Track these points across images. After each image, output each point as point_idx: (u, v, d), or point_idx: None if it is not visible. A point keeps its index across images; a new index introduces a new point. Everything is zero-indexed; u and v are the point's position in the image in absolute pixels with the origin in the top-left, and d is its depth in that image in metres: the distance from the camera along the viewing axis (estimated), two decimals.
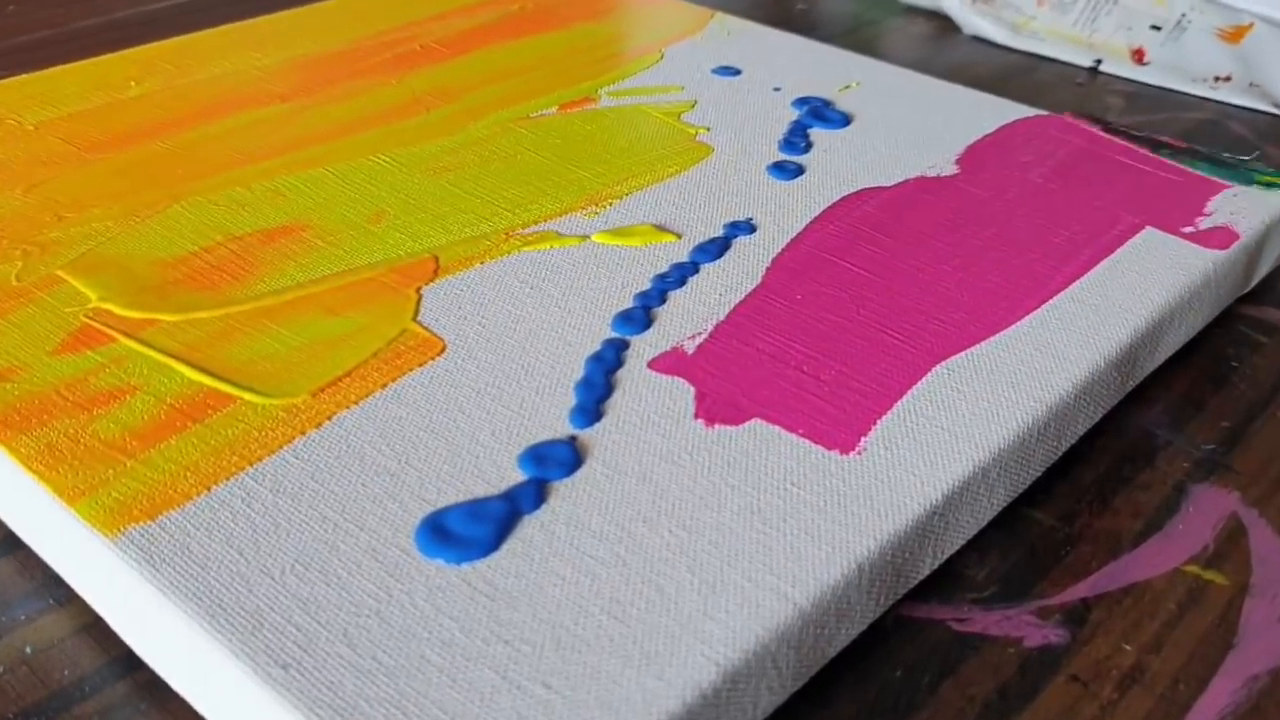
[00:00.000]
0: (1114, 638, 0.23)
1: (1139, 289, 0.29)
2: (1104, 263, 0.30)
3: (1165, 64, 0.49)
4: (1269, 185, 0.34)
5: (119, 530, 0.21)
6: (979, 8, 0.53)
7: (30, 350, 0.25)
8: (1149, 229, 0.32)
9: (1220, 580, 0.24)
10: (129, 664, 0.21)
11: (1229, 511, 0.26)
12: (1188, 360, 0.31)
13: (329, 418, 0.24)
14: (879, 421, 0.24)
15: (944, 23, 0.54)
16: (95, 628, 0.22)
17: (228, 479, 0.22)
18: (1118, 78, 0.49)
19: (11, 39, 0.47)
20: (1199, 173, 0.35)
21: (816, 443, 0.24)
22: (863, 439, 0.24)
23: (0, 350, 0.25)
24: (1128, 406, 0.29)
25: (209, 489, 0.22)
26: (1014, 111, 0.39)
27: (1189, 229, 0.32)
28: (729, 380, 0.25)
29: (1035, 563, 0.25)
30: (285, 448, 0.23)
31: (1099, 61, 0.50)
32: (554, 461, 0.23)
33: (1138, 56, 0.50)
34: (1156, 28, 0.50)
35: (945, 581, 0.24)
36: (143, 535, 0.21)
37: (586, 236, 0.30)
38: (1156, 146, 0.36)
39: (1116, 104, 0.47)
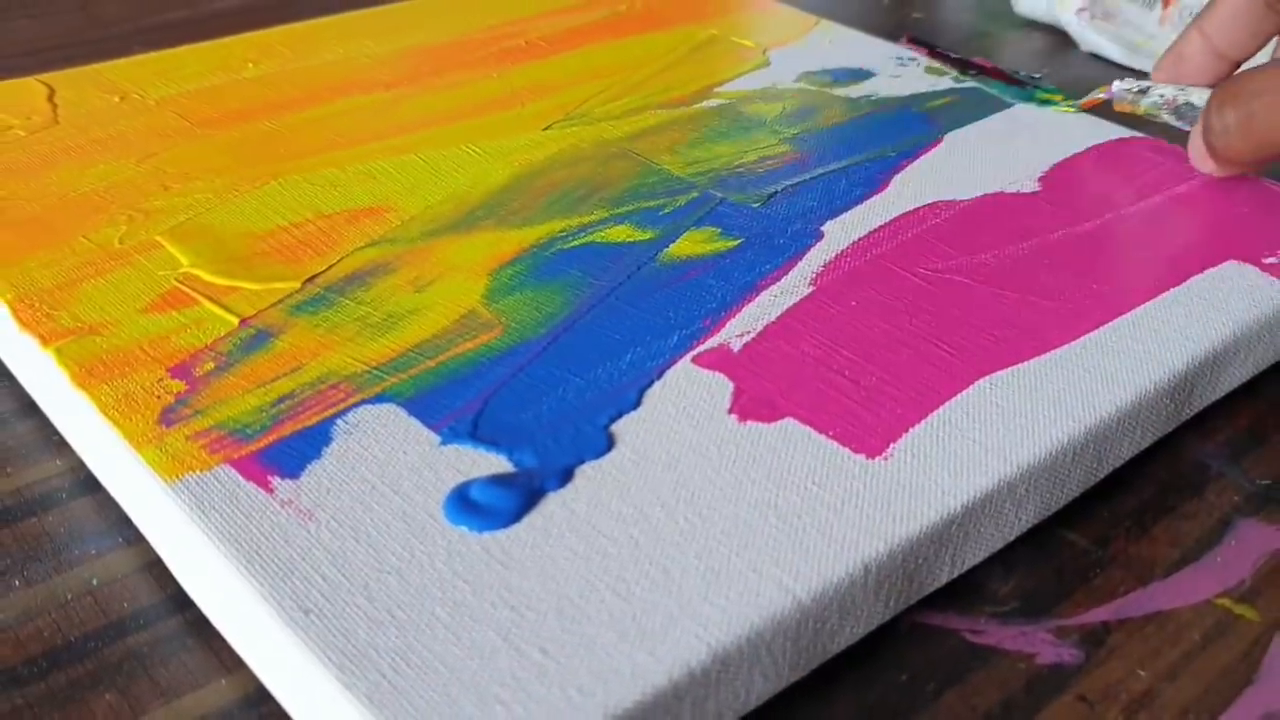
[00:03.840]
0: (1130, 663, 0.23)
1: (1205, 317, 0.29)
2: (1174, 290, 0.30)
3: None
4: (1044, 103, 0.40)
5: (177, 477, 0.22)
6: (1098, 25, 0.52)
7: (122, 308, 0.27)
8: (1230, 259, 0.31)
9: (1251, 615, 0.24)
10: (181, 602, 0.23)
11: (1273, 548, 0.26)
12: (1257, 394, 0.31)
13: (382, 388, 0.25)
14: (911, 430, 0.25)
15: (1061, 38, 0.54)
16: (155, 567, 0.24)
17: (281, 439, 0.24)
18: None
19: (153, 17, 0.50)
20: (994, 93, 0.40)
21: (845, 445, 0.24)
22: (891, 445, 0.24)
23: (95, 306, 0.27)
24: (1185, 435, 0.29)
25: (262, 446, 0.23)
26: (1108, 131, 0.38)
27: (1271, 259, 0.31)
28: (769, 379, 0.26)
29: (1061, 582, 0.25)
30: (337, 414, 0.24)
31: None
32: (585, 446, 0.24)
33: None
34: None
35: (966, 592, 0.24)
36: (197, 483, 0.22)
37: (657, 233, 0.31)
38: (964, 68, 0.42)
39: None
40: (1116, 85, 0.37)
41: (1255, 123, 0.30)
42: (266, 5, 0.51)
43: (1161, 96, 0.36)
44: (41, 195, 0.32)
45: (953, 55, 0.43)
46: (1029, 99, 0.40)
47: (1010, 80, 0.41)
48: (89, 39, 0.47)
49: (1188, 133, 0.36)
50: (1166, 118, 0.36)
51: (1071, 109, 0.39)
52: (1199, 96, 0.35)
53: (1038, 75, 0.43)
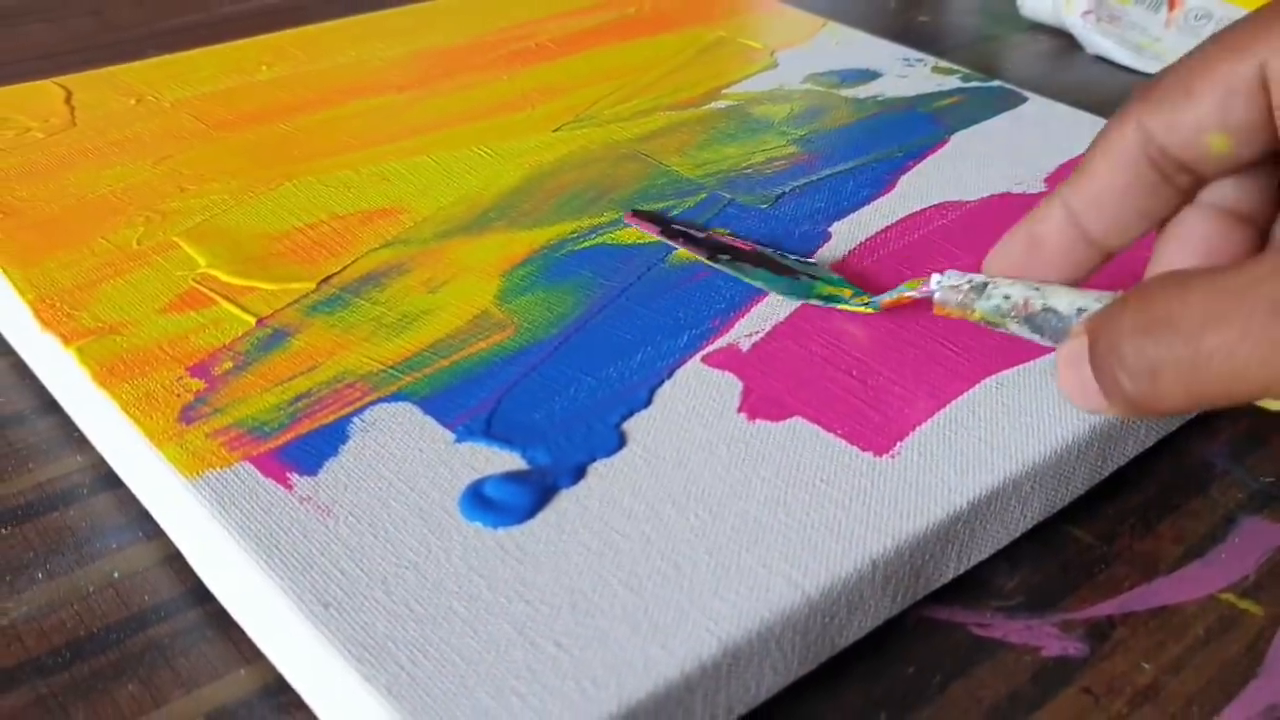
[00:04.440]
0: (1134, 656, 0.23)
1: None
2: None
3: None
4: (829, 299, 0.28)
5: (198, 473, 0.23)
6: (1103, 27, 0.52)
7: (141, 308, 0.28)
8: None
9: (1255, 610, 0.25)
10: (200, 596, 0.24)
11: (1277, 545, 0.26)
12: None
13: (398, 387, 0.25)
14: (918, 428, 0.25)
15: (1067, 41, 0.54)
16: (175, 561, 0.24)
17: (299, 437, 0.24)
18: None
19: (166, 21, 0.51)
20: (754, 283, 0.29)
21: (853, 444, 0.24)
22: (899, 444, 0.24)
23: (115, 306, 0.28)
24: (1189, 434, 0.29)
25: (281, 444, 0.24)
26: None
27: None
28: (777, 378, 0.26)
29: (1066, 578, 0.25)
30: (354, 412, 0.25)
31: None
32: (597, 444, 0.24)
33: None
34: None
35: (972, 587, 0.25)
36: (218, 479, 0.23)
37: (667, 235, 0.32)
38: (714, 253, 0.30)
39: None
40: (937, 281, 0.25)
41: (1207, 369, 0.19)
42: (277, 9, 0.51)
43: (1007, 298, 0.24)
44: (60, 196, 0.32)
45: (699, 236, 0.31)
46: (806, 294, 0.28)
47: (778, 268, 0.30)
48: (103, 43, 0.48)
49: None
50: (1014, 329, 0.24)
51: (867, 308, 0.27)
52: (1065, 301, 0.23)
53: (811, 259, 0.30)
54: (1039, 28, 0.56)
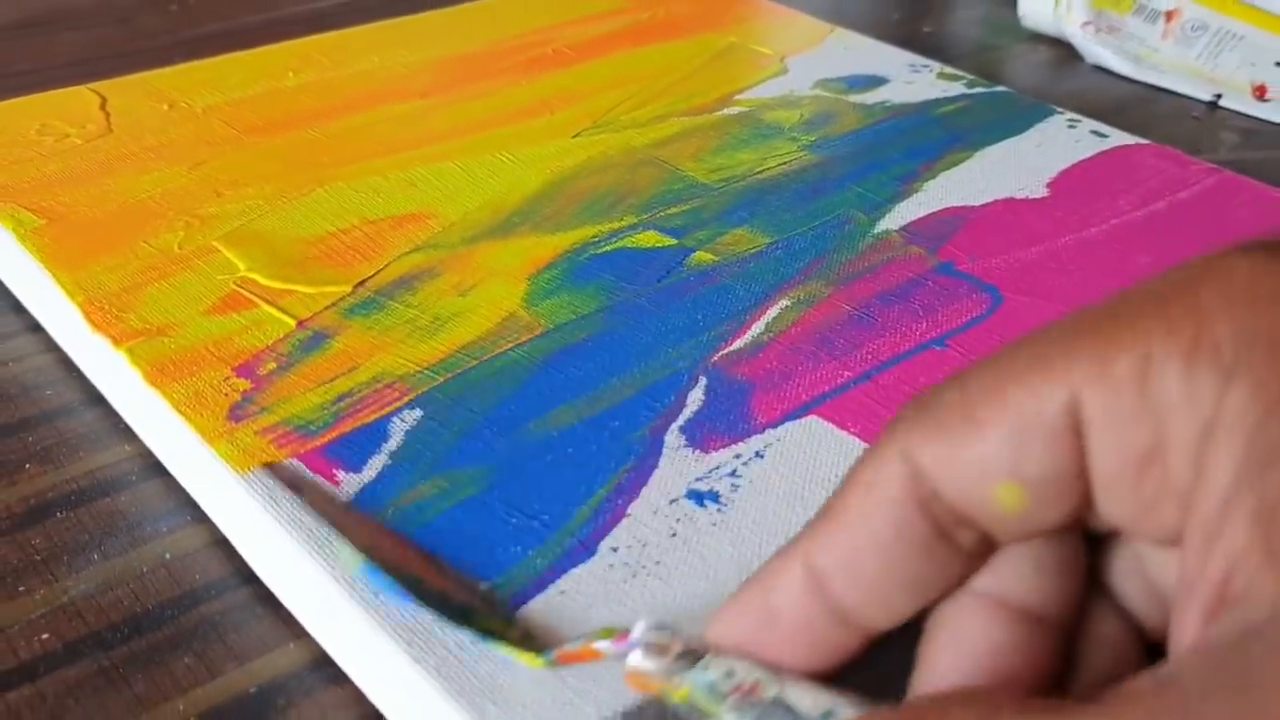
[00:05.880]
0: None
1: None
2: None
3: None
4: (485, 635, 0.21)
5: (249, 469, 0.24)
6: (1102, 37, 0.54)
7: (186, 310, 0.29)
8: None
9: None
10: (248, 576, 0.25)
11: None
12: None
13: (431, 386, 0.27)
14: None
15: (1067, 51, 0.55)
16: (223, 544, 0.26)
17: (342, 435, 0.25)
18: (1236, 113, 0.50)
19: (190, 30, 0.52)
20: None
21: (866, 441, 0.26)
22: None
23: (160, 309, 0.29)
24: None
25: (326, 441, 0.25)
26: (1113, 139, 0.40)
27: None
28: (791, 378, 0.28)
29: None
30: (393, 412, 0.26)
31: (1219, 96, 0.50)
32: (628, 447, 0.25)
33: (1259, 93, 0.50)
34: None
35: None
36: (268, 474, 0.24)
37: (685, 240, 0.33)
38: None
39: (1231, 139, 0.47)
40: (641, 632, 0.18)
41: None
42: (295, 19, 0.53)
43: (729, 675, 0.18)
44: (102, 201, 0.34)
45: None
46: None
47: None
48: (130, 50, 0.49)
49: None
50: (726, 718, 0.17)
51: (540, 664, 0.20)
52: (808, 700, 0.17)
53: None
54: (1039, 38, 0.57)
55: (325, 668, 0.23)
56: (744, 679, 0.17)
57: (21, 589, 0.25)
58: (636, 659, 0.18)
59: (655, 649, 0.18)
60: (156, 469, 0.28)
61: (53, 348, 0.32)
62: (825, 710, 0.17)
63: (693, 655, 0.18)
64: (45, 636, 0.24)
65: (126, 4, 0.54)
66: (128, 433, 0.29)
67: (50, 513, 0.27)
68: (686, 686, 0.18)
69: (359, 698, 0.22)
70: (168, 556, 0.26)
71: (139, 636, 0.24)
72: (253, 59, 0.43)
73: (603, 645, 0.19)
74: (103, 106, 0.39)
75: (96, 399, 0.30)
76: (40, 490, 0.27)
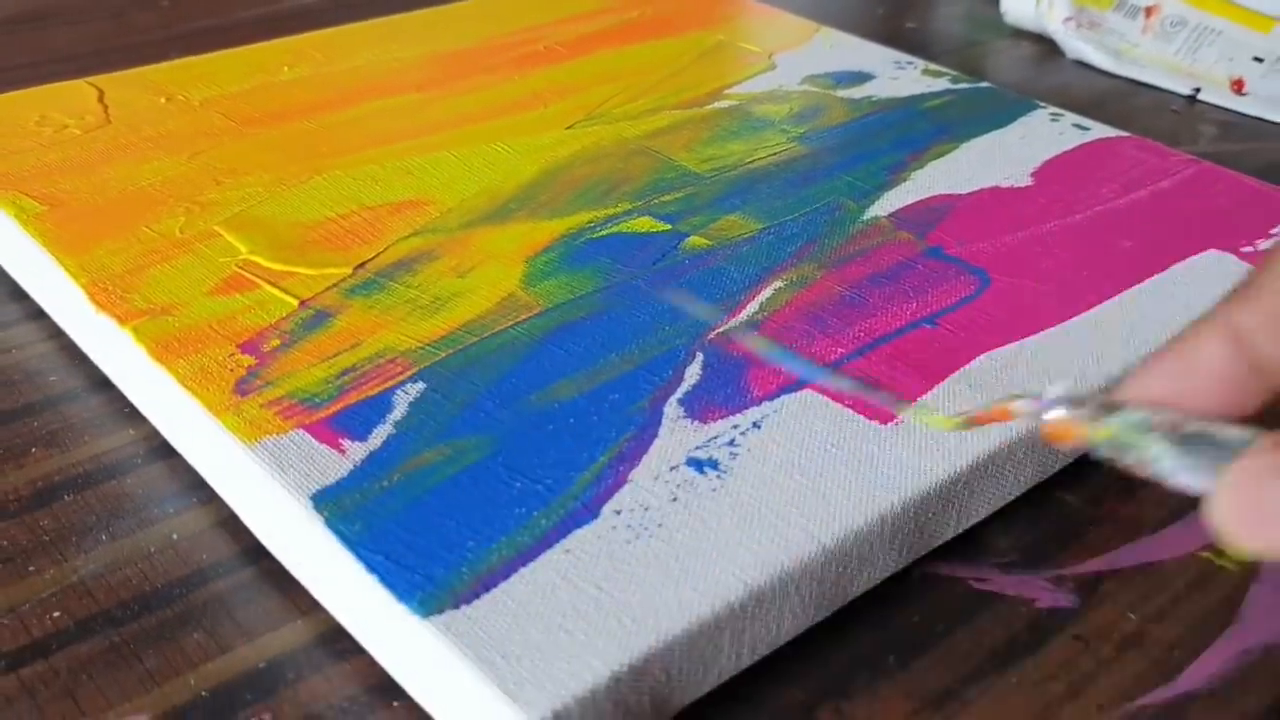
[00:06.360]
0: (1121, 607, 0.25)
1: (1185, 300, 0.31)
2: (1159, 275, 0.32)
3: (1265, 95, 0.50)
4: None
5: (256, 440, 0.25)
6: (1083, 33, 0.55)
7: (190, 291, 0.29)
8: (1210, 248, 0.34)
9: (1231, 566, 0.27)
10: (257, 554, 0.25)
11: None
12: None
13: (433, 360, 0.27)
14: (919, 399, 0.27)
15: (1049, 46, 0.56)
16: (230, 523, 0.26)
17: (347, 406, 0.26)
18: (1215, 106, 0.51)
19: (183, 25, 0.52)
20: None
21: (860, 414, 0.26)
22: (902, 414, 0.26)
23: (165, 290, 0.29)
24: None
25: (331, 413, 0.26)
26: (1095, 131, 0.41)
27: (1248, 249, 0.34)
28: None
29: (1058, 537, 0.27)
30: (397, 385, 0.27)
31: (1198, 90, 0.51)
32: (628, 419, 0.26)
33: (1237, 87, 0.51)
34: (1259, 59, 0.52)
35: (970, 546, 0.27)
36: (275, 445, 0.25)
37: (679, 225, 0.33)
38: None
39: (1209, 132, 0.48)
40: (1048, 398, 0.20)
41: None
42: (288, 14, 0.53)
43: (1146, 420, 0.19)
44: (103, 189, 0.34)
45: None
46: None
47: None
48: (123, 45, 0.50)
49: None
50: (1153, 451, 0.19)
51: (954, 424, 0.22)
52: (1231, 431, 0.18)
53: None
54: (1021, 34, 0.58)
55: (333, 642, 0.24)
56: (1166, 417, 0.19)
57: (31, 569, 0.25)
58: (1057, 412, 0.20)
59: (1074, 402, 0.20)
60: (162, 452, 0.28)
61: (55, 334, 0.32)
62: (1248, 439, 0.18)
63: (1110, 406, 0.19)
64: (57, 614, 0.24)
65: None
66: (133, 417, 0.29)
67: (58, 495, 0.27)
68: (1112, 427, 0.19)
69: (367, 671, 0.23)
70: (175, 537, 0.26)
71: (149, 614, 0.24)
72: (247, 55, 0.44)
73: (1020, 404, 0.20)
74: (100, 99, 0.39)
75: (101, 384, 0.30)
76: (47, 473, 0.28)
